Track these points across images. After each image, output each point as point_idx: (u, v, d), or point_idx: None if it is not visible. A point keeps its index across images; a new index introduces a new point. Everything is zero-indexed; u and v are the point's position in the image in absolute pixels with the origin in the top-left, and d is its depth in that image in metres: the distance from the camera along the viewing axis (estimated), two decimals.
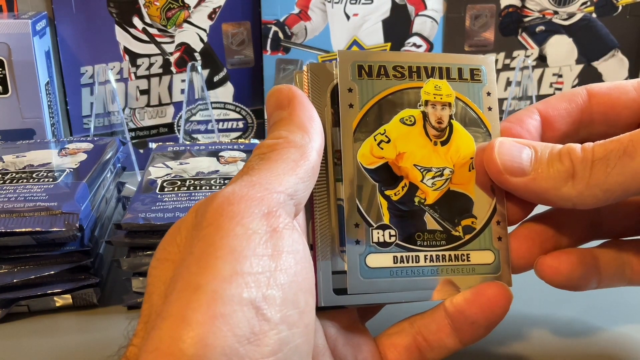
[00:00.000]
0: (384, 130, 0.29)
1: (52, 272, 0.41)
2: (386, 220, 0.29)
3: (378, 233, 0.29)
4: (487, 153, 0.29)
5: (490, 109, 0.31)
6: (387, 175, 0.29)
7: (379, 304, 0.30)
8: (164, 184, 0.46)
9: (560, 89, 0.69)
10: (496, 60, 0.69)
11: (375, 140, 0.29)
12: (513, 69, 0.69)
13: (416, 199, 0.30)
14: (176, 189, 0.45)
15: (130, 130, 0.68)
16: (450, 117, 0.30)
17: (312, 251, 0.28)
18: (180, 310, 0.20)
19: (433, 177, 0.30)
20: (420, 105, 0.30)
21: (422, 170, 0.30)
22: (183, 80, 0.68)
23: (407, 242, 0.29)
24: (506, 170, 0.29)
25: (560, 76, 0.69)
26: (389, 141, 0.29)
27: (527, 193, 0.29)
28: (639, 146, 0.26)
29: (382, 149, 0.29)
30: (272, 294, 0.22)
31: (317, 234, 0.28)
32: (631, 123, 0.31)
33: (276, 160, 0.25)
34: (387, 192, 0.29)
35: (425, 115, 0.30)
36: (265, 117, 0.71)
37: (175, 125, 0.70)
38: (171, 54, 0.67)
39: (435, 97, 0.30)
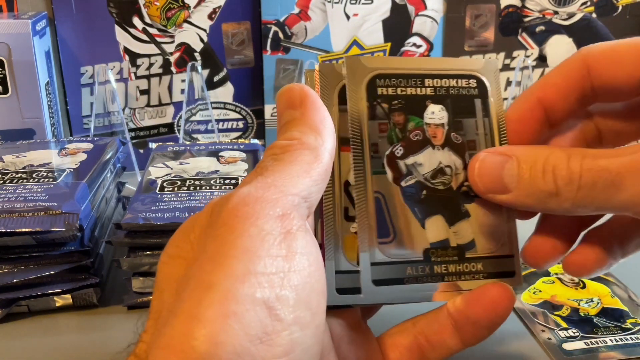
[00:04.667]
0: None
1: (52, 272, 0.41)
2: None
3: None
4: (469, 173, 0.30)
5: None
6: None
7: (382, 303, 0.30)
8: (164, 184, 0.46)
9: None
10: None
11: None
12: (513, 69, 0.69)
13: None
14: (176, 189, 0.45)
15: (130, 130, 0.68)
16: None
17: (321, 250, 0.28)
18: (193, 308, 0.20)
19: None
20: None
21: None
22: (183, 80, 0.68)
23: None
24: (488, 190, 0.29)
25: None
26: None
27: (514, 206, 0.29)
28: (626, 178, 0.26)
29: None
30: (285, 295, 0.22)
31: (325, 234, 0.29)
32: (632, 91, 0.29)
33: (290, 162, 0.25)
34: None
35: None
36: (265, 116, 0.71)
37: (175, 125, 0.70)
38: (171, 54, 0.67)
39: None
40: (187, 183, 0.46)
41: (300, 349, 0.22)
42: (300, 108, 0.27)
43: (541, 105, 0.30)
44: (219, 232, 0.22)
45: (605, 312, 0.41)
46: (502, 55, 0.69)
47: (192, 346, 0.20)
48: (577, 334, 0.39)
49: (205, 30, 0.68)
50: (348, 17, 0.68)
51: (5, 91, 0.59)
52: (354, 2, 0.67)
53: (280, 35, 0.68)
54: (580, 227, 0.31)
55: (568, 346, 0.38)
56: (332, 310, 0.29)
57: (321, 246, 0.29)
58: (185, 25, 0.67)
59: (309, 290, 0.23)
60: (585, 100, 0.30)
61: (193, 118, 0.69)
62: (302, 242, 0.23)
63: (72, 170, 0.47)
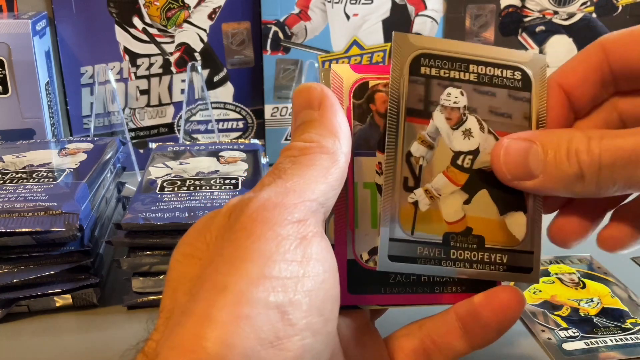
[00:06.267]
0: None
1: (52, 272, 0.41)
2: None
3: None
4: (493, 160, 0.29)
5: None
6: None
7: (392, 305, 0.30)
8: (164, 184, 0.46)
9: None
10: None
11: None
12: None
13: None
14: (176, 189, 0.45)
15: (130, 130, 0.68)
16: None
17: (334, 249, 0.28)
18: (206, 309, 0.20)
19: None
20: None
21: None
22: (183, 80, 0.68)
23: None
24: (514, 177, 0.29)
25: None
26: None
27: (539, 192, 0.29)
28: None
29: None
30: (298, 300, 0.22)
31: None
32: None
33: (308, 167, 0.25)
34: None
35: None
36: (265, 116, 0.71)
37: (175, 125, 0.70)
38: (171, 54, 0.67)
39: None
40: (187, 183, 0.46)
41: (311, 355, 0.22)
42: (319, 109, 0.27)
43: (562, 90, 0.30)
44: (237, 235, 0.22)
45: (605, 312, 0.41)
46: None
47: (202, 347, 0.20)
48: (577, 334, 0.39)
49: (205, 30, 0.67)
50: (348, 17, 0.68)
51: (5, 91, 0.59)
52: (354, 2, 0.67)
53: (280, 35, 0.68)
54: (606, 207, 0.31)
55: (568, 346, 0.38)
56: (341, 310, 0.29)
57: (334, 246, 0.29)
58: (185, 25, 0.67)
59: (322, 296, 0.23)
60: (605, 85, 0.30)
61: (193, 118, 0.69)
62: (318, 249, 0.23)
63: (72, 170, 0.47)
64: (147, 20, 0.66)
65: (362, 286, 0.29)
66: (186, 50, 0.68)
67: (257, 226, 0.22)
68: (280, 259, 0.22)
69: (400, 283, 0.30)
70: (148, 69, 0.68)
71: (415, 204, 0.29)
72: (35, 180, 0.45)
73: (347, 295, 0.29)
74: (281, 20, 0.67)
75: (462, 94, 0.30)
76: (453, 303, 0.30)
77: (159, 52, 0.67)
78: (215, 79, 0.69)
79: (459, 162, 0.30)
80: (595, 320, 0.40)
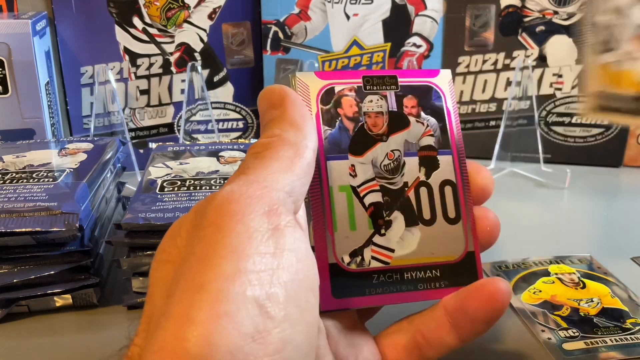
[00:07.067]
0: None
1: (52, 272, 0.41)
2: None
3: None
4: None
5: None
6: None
7: (377, 305, 0.31)
8: (164, 184, 0.46)
9: (560, 89, 0.69)
10: (496, 61, 0.69)
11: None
12: (513, 69, 0.69)
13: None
14: (176, 189, 0.45)
15: (130, 130, 0.68)
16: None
17: (314, 252, 0.28)
18: (184, 310, 0.20)
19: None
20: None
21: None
22: (183, 80, 0.68)
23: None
24: None
25: (560, 76, 0.69)
26: None
27: None
28: None
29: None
30: (275, 292, 0.22)
31: (316, 238, 0.29)
32: None
33: (271, 159, 0.25)
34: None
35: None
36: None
37: (175, 125, 0.70)
38: (171, 54, 0.68)
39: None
40: (187, 183, 0.46)
41: (292, 346, 0.22)
42: (280, 107, 0.28)
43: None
44: (206, 232, 0.22)
45: (605, 312, 0.41)
46: (502, 55, 0.69)
47: (184, 348, 0.20)
48: (577, 334, 0.39)
49: (205, 30, 0.68)
50: (348, 17, 0.68)
51: (5, 91, 0.59)
52: (354, 2, 0.67)
53: (280, 35, 0.68)
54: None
55: (568, 346, 0.38)
56: (327, 312, 0.29)
57: (313, 248, 0.29)
58: (185, 25, 0.67)
59: (297, 287, 0.23)
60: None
61: (193, 118, 0.69)
62: (290, 239, 0.23)
63: (72, 170, 0.47)
64: (147, 20, 0.66)
65: (346, 289, 0.29)
66: (186, 50, 0.68)
67: (225, 220, 0.22)
68: (253, 252, 0.22)
69: (383, 283, 0.30)
70: (148, 69, 0.68)
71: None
72: (35, 180, 0.45)
73: (332, 300, 0.29)
74: (281, 20, 0.68)
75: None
76: (439, 298, 0.30)
77: (159, 52, 0.67)
78: (215, 79, 0.69)
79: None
80: (595, 320, 0.40)
